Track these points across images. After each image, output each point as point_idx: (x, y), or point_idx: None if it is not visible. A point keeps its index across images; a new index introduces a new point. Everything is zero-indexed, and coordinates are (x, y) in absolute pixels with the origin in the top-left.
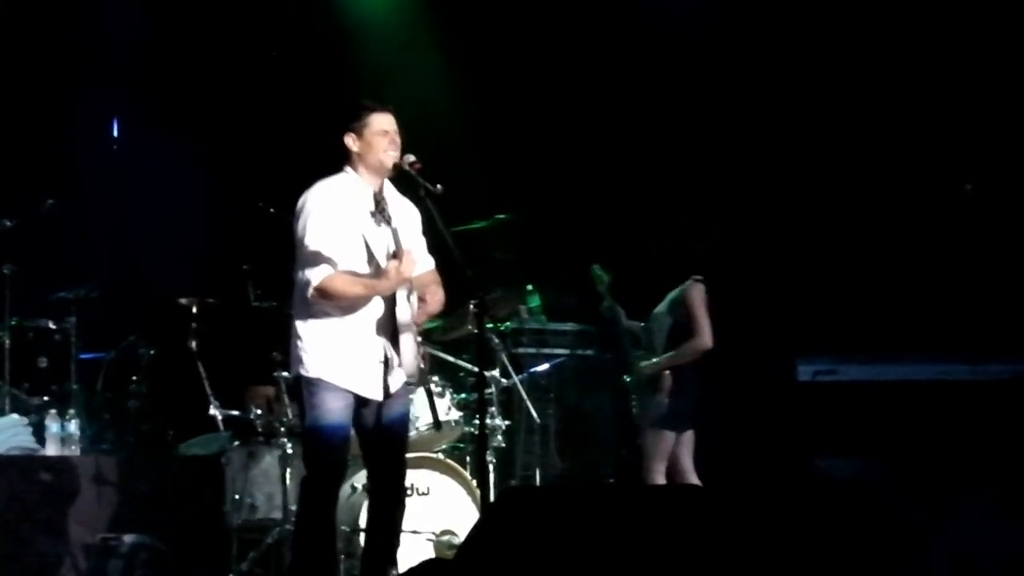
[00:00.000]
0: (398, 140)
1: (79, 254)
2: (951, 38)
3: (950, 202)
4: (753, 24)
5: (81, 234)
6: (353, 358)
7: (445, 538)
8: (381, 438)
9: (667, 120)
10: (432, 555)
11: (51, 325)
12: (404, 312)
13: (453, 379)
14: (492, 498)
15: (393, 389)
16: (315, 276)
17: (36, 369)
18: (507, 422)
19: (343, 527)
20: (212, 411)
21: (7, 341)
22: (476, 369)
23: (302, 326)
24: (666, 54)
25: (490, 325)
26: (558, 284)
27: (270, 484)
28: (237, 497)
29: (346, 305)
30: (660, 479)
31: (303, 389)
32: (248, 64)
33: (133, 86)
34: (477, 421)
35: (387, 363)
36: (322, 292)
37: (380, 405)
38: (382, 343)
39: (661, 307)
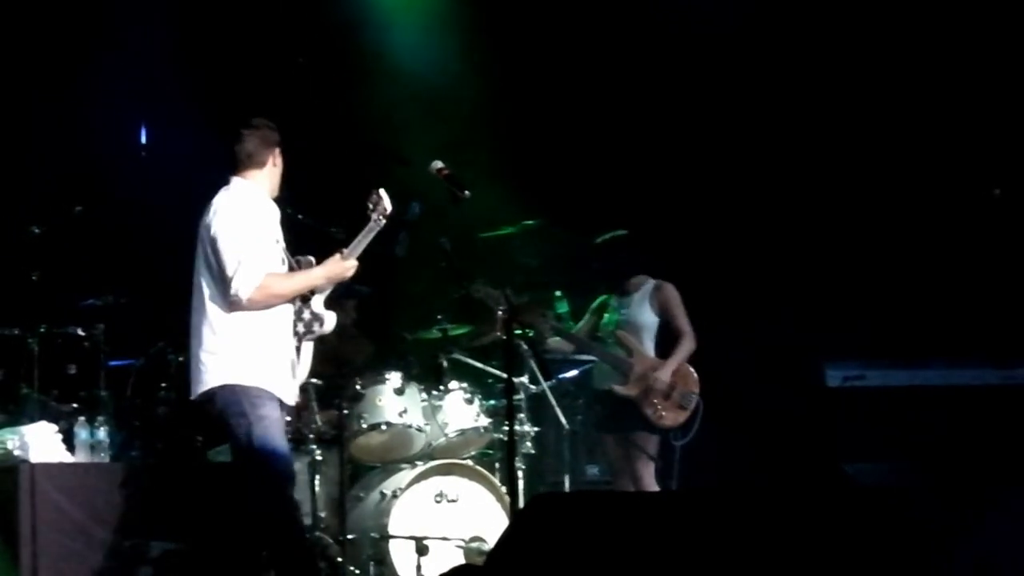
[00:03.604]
0: None
1: (108, 261)
2: (980, 43)
3: (979, 206)
4: (781, 25)
5: (110, 241)
6: (276, 364)
7: (474, 544)
8: None
9: (693, 125)
10: (462, 561)
11: (80, 332)
12: (309, 320)
13: (482, 385)
14: (521, 504)
15: (297, 398)
16: (253, 278)
17: (65, 376)
18: (536, 428)
19: (373, 534)
20: None
21: (36, 348)
22: (505, 375)
23: (233, 334)
24: (692, 60)
25: (519, 331)
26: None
27: (299, 491)
28: None
29: (267, 310)
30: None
31: (242, 400)
32: (275, 70)
33: (161, 92)
34: (506, 427)
35: (293, 369)
36: (262, 293)
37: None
38: (292, 349)
39: (630, 311)
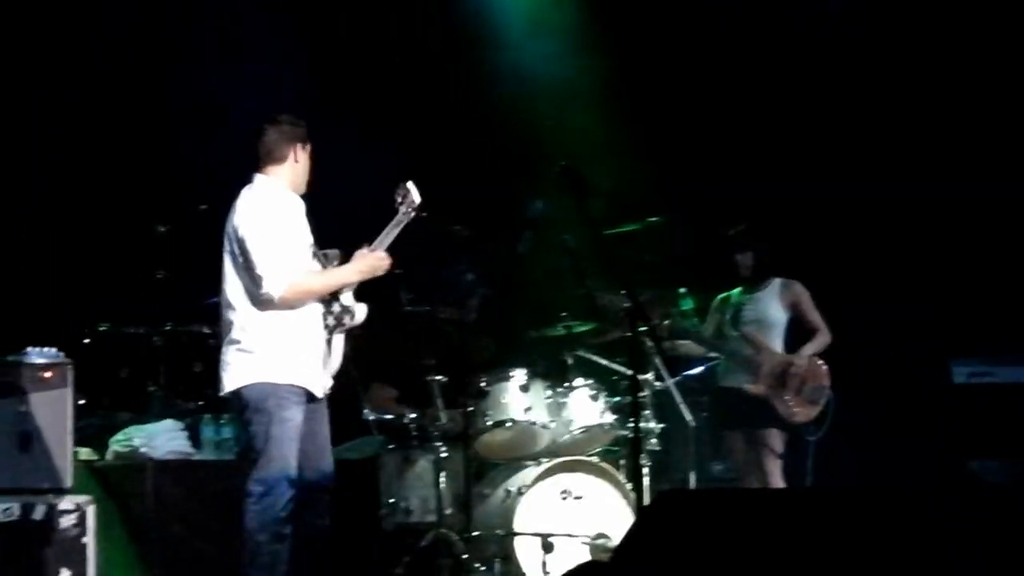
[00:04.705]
0: None
1: None
2: None
3: None
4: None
5: None
6: (307, 359)
7: (600, 541)
8: (320, 438)
9: (819, 117)
10: (587, 558)
11: (205, 330)
12: (339, 313)
13: (606, 382)
14: (646, 501)
15: (328, 389)
16: (285, 276)
17: (191, 374)
18: (661, 425)
19: (498, 531)
20: (366, 415)
21: (162, 346)
22: (629, 372)
23: (265, 332)
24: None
25: (643, 328)
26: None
27: (424, 488)
28: (391, 501)
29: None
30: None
31: (269, 398)
32: (399, 65)
33: (288, 92)
34: (631, 424)
35: (324, 362)
36: (293, 290)
37: (316, 405)
38: (323, 343)
39: (757, 307)
